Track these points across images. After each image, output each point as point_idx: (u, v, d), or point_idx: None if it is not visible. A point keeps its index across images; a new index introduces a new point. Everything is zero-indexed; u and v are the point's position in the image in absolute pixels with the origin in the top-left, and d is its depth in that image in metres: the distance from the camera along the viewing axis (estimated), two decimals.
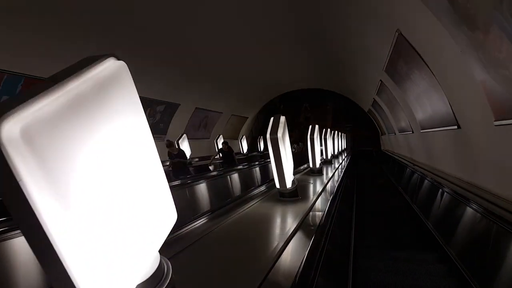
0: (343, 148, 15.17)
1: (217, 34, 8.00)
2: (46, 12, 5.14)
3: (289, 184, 3.15)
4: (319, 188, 4.16)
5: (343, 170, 6.58)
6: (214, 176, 4.19)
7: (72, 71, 0.56)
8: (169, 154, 7.30)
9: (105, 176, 0.62)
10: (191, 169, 8.19)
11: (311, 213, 2.78)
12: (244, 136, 13.85)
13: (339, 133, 12.22)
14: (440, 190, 4.37)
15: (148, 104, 9.13)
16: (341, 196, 4.16)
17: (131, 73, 0.77)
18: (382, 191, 8.44)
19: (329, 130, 7.49)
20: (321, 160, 8.28)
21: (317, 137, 5.33)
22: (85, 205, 0.55)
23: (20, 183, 0.45)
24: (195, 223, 3.13)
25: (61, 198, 0.50)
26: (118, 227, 0.65)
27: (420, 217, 5.02)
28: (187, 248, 1.92)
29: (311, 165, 5.46)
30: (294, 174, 6.05)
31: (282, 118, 3.08)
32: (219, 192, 4.20)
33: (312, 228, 2.37)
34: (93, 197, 0.58)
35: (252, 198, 3.53)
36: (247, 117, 17.57)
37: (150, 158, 0.80)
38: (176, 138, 10.83)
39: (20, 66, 5.52)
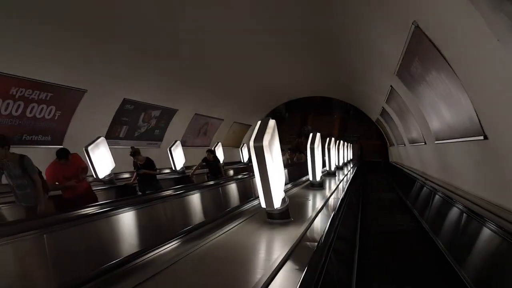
0: (349, 158, 14.50)
1: (219, 38, 7.52)
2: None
3: (277, 204, 2.55)
4: (318, 205, 3.56)
5: (347, 184, 5.95)
6: (185, 192, 3.58)
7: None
8: (135, 164, 6.01)
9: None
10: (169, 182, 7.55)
11: (302, 242, 2.18)
12: (245, 144, 13.28)
13: (345, 143, 11.58)
14: (465, 214, 3.71)
15: (142, 109, 8.63)
16: (343, 218, 3.54)
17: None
18: (392, 213, 7.50)
19: (333, 139, 6.88)
20: (323, 172, 7.69)
21: (318, 146, 4.74)
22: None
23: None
24: (162, 249, 2.58)
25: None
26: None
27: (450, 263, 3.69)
28: (152, 278, 1.68)
29: (310, 178, 4.86)
30: (292, 187, 5.46)
31: (271, 122, 2.52)
32: (193, 211, 3.60)
33: (302, 265, 1.76)
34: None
35: (235, 218, 2.93)
36: (250, 125, 17.01)
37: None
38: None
39: None
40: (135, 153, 5.89)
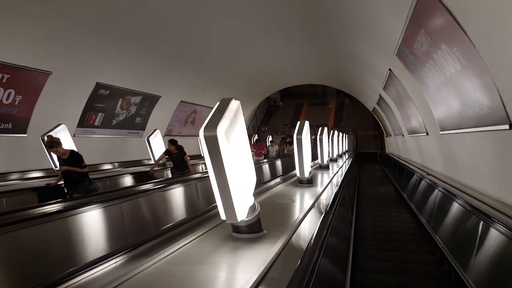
0: (344, 150, 13.93)
1: (206, 20, 6.83)
2: None
3: (242, 215, 1.91)
4: (304, 207, 2.94)
5: (341, 179, 5.34)
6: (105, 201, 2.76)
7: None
8: (58, 159, 4.71)
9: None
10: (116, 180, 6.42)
11: (272, 272, 1.55)
12: None
13: (340, 134, 10.97)
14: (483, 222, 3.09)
15: (119, 94, 7.92)
16: (333, 227, 2.93)
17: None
18: (392, 211, 6.77)
19: (326, 129, 6.24)
20: (314, 165, 7.06)
21: (306, 136, 4.10)
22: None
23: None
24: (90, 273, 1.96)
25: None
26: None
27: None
28: None
29: (298, 173, 4.23)
30: (278, 183, 4.84)
31: (234, 103, 1.86)
32: (116, 230, 2.90)
33: None
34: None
35: (186, 233, 2.29)
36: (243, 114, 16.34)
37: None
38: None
39: None
40: (51, 144, 4.45)
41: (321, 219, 2.56)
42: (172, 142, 6.48)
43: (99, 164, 7.92)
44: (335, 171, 6.56)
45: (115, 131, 8.39)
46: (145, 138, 8.00)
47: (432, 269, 3.59)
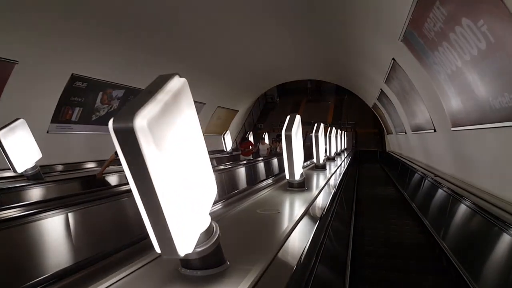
0: (343, 148, 13.33)
1: (199, 9, 6.30)
2: None
3: (187, 247, 1.31)
4: (292, 219, 2.34)
5: (339, 180, 4.75)
6: None
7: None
8: None
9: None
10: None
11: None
12: (228, 132, 12.02)
13: (338, 131, 10.37)
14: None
15: (98, 87, 7.30)
16: (325, 247, 2.34)
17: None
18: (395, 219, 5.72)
19: (322, 125, 5.63)
20: (308, 165, 6.47)
21: (297, 133, 3.50)
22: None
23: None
24: None
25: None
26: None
27: None
28: None
29: (287, 176, 3.63)
30: (267, 186, 4.24)
31: (175, 83, 1.25)
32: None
33: None
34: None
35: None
36: (237, 110, 15.71)
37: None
38: None
39: None
40: None
41: (310, 238, 1.97)
42: None
43: (78, 162, 7.34)
44: (332, 171, 5.97)
45: (95, 127, 7.78)
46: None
47: None
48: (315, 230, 2.21)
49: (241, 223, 2.42)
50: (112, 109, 8.05)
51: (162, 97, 1.07)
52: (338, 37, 7.56)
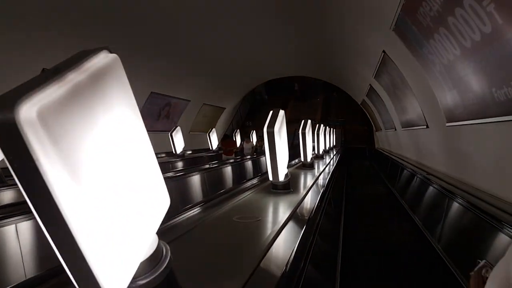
0: (332, 145, 13.10)
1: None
2: None
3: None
4: (273, 229, 2.03)
5: (328, 179, 4.46)
6: None
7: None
8: None
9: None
10: None
11: None
12: (214, 130, 11.63)
13: (326, 128, 10.11)
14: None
15: None
16: (310, 267, 2.02)
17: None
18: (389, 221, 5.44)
19: (309, 122, 5.34)
20: (295, 164, 6.17)
21: (281, 129, 3.19)
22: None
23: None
24: None
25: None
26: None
27: None
28: None
29: (270, 177, 3.31)
30: (250, 187, 3.93)
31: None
32: None
33: None
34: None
35: None
36: (224, 108, 15.34)
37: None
38: None
39: None
40: None
41: (292, 254, 1.66)
42: None
43: None
44: (320, 170, 5.69)
45: None
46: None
47: None
48: (300, 241, 1.91)
49: (213, 235, 2.09)
50: None
51: (74, 77, 0.72)
52: (326, 31, 7.27)
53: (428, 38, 3.05)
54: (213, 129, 11.71)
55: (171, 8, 6.45)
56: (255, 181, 4.33)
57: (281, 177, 3.28)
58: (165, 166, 7.59)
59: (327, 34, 7.58)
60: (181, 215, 2.65)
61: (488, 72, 2.36)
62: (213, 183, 5.92)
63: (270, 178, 3.29)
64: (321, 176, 5.06)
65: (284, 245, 1.87)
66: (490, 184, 3.08)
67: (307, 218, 2.43)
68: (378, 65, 5.75)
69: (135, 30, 6.77)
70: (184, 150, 11.74)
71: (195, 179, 5.39)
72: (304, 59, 12.02)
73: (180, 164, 8.28)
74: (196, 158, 9.94)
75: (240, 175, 7.25)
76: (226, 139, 9.66)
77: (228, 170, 6.95)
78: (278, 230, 2.04)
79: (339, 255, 3.36)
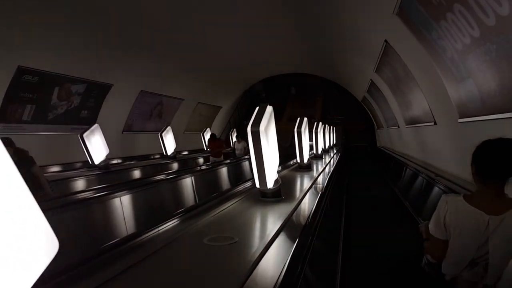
0: (332, 144, 12.65)
1: None
2: None
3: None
4: (242, 266, 1.58)
5: (324, 185, 4.00)
6: None
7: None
8: None
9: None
10: None
11: None
12: (208, 129, 11.20)
13: (326, 126, 9.66)
14: None
15: (53, 82, 6.41)
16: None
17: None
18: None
19: (305, 119, 4.89)
20: (289, 166, 5.72)
21: (268, 128, 2.74)
22: None
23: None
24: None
25: None
26: None
27: None
28: None
29: (257, 184, 2.86)
30: (235, 194, 3.48)
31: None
32: None
33: None
34: None
35: None
36: (221, 107, 14.88)
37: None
38: (109, 131, 8.20)
39: None
40: None
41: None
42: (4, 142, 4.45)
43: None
44: (318, 172, 5.24)
45: (53, 126, 6.89)
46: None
47: None
48: (285, 273, 1.48)
49: (176, 264, 1.66)
50: (72, 106, 7.17)
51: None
52: (325, 23, 6.80)
53: (439, 19, 2.59)
54: (208, 129, 11.27)
55: (166, 9, 6.03)
56: (244, 186, 3.89)
57: (270, 184, 2.83)
58: (146, 170, 7.11)
59: (326, 28, 7.12)
60: (146, 233, 2.22)
61: None
62: (193, 191, 5.38)
63: (257, 185, 2.85)
64: (319, 179, 4.61)
65: (262, 280, 1.44)
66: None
67: (297, 237, 1.99)
68: (380, 57, 5.30)
69: (123, 25, 6.33)
70: (179, 151, 11.30)
71: (172, 187, 4.88)
72: (303, 56, 11.57)
73: (169, 167, 7.84)
74: (187, 160, 9.46)
75: (228, 180, 6.77)
76: (213, 140, 9.05)
77: (214, 174, 6.45)
78: (256, 259, 1.60)
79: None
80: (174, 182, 4.91)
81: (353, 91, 13.80)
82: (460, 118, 3.26)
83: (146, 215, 4.01)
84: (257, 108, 2.77)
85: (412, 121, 5.97)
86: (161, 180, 4.69)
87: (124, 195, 4.00)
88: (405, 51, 4.18)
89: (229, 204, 2.92)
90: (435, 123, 4.44)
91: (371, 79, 7.83)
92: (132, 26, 6.49)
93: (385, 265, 3.54)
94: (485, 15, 2.00)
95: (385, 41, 4.52)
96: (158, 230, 2.32)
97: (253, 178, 2.96)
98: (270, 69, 14.61)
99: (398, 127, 7.89)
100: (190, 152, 11.84)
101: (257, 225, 2.36)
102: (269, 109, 2.78)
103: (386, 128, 10.70)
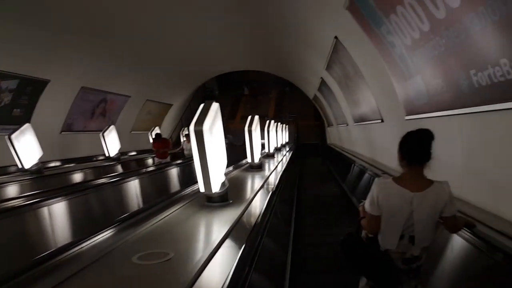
0: (284, 142, 12.70)
1: None
2: None
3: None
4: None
5: (274, 187, 3.84)
6: None
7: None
8: None
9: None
10: None
11: None
12: (156, 128, 10.64)
13: (278, 124, 9.60)
14: None
15: None
16: None
17: None
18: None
19: (256, 118, 4.70)
20: (240, 166, 5.52)
21: (214, 127, 2.49)
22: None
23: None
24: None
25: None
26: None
27: None
28: None
29: (201, 188, 2.58)
30: (179, 199, 3.14)
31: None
32: None
33: None
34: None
35: None
36: (172, 104, 14.26)
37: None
38: (46, 131, 7.41)
39: None
40: None
41: None
42: None
43: None
44: (270, 171, 5.10)
45: None
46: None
47: None
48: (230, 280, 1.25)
49: None
50: (3, 104, 6.33)
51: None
52: (277, 20, 6.66)
53: (389, 13, 2.52)
54: (156, 128, 10.70)
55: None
56: (192, 189, 3.59)
57: (215, 188, 2.58)
58: (84, 174, 6.47)
59: (279, 25, 6.97)
60: (74, 248, 1.88)
61: (466, 52, 1.85)
62: (135, 197, 4.93)
63: (201, 189, 2.59)
64: (270, 179, 4.46)
65: None
66: (460, 188, 2.65)
67: (243, 244, 1.77)
68: (330, 54, 5.28)
69: (60, 13, 5.65)
70: (125, 152, 10.59)
71: (110, 193, 4.39)
72: (257, 53, 11.37)
73: (111, 170, 7.20)
74: (132, 162, 8.84)
75: (175, 183, 6.38)
76: (158, 139, 8.37)
77: (159, 177, 6.02)
78: (193, 278, 1.35)
79: None
80: (113, 187, 4.44)
81: (305, 89, 13.96)
82: (407, 115, 3.26)
83: (76, 226, 3.55)
84: (202, 105, 2.51)
85: (360, 119, 6.05)
86: (98, 185, 4.21)
87: (52, 204, 3.52)
88: (355, 48, 4.15)
89: (171, 211, 2.63)
90: (382, 121, 4.49)
91: (321, 77, 7.88)
92: (71, 14, 5.83)
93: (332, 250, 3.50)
94: (435, 7, 1.92)
95: (335, 37, 4.47)
96: (87, 244, 1.98)
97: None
98: (223, 66, 14.26)
99: (347, 125, 8.04)
100: (139, 152, 11.17)
101: (200, 234, 2.11)
102: (215, 106, 2.53)
103: (335, 125, 10.92)
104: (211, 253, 1.64)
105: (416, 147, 1.66)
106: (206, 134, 2.32)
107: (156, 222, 2.33)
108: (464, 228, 1.97)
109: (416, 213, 1.62)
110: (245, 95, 20.84)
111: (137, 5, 6.19)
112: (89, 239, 2.00)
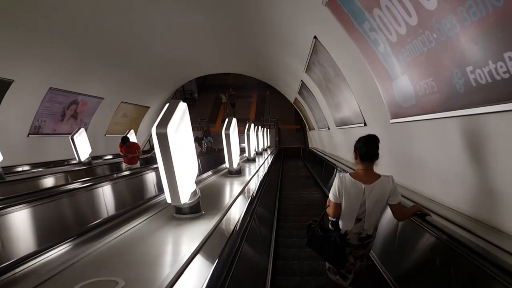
0: (266, 146, 12.47)
1: None
2: None
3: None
4: None
5: (254, 194, 3.58)
6: None
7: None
8: None
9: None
10: None
11: None
12: (131, 131, 10.21)
13: (259, 128, 9.37)
14: None
15: None
16: None
17: None
18: None
19: (234, 120, 4.44)
20: (223, 170, 5.24)
21: (180, 129, 2.21)
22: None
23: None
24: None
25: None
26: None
27: None
28: None
29: (168, 198, 2.30)
30: (145, 210, 2.83)
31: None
32: None
33: None
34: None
35: None
36: (149, 107, 13.82)
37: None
38: (11, 134, 6.92)
39: None
40: None
41: None
42: None
43: None
44: (251, 175, 4.84)
45: None
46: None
47: None
48: None
49: None
50: None
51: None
52: (254, 20, 6.43)
53: (372, 7, 2.32)
54: (131, 131, 10.26)
55: None
56: (161, 198, 3.28)
57: (184, 198, 2.29)
58: (50, 180, 6.02)
59: (259, 27, 6.74)
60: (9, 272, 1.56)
61: (461, 48, 1.66)
62: (94, 206, 4.49)
63: (168, 200, 2.31)
64: (250, 185, 4.19)
65: None
66: (448, 196, 2.48)
67: (212, 266, 1.51)
68: (310, 55, 5.09)
69: (26, 7, 5.22)
70: (100, 155, 10.10)
71: (71, 202, 3.99)
72: (238, 56, 11.12)
73: (79, 175, 6.75)
74: (101, 167, 8.37)
75: (141, 192, 5.98)
76: (126, 143, 7.86)
77: (127, 184, 5.62)
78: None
79: None
80: (71, 196, 4.05)
81: (285, 92, 13.81)
82: (392, 118, 3.09)
83: (24, 242, 3.18)
84: (167, 105, 2.23)
85: (342, 123, 5.90)
86: (56, 194, 3.83)
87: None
88: (335, 48, 3.97)
89: (134, 225, 2.33)
90: (365, 124, 4.32)
91: (301, 80, 7.71)
92: (37, 9, 5.42)
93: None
94: (419, 4, 1.73)
95: (314, 37, 4.27)
96: (26, 268, 1.66)
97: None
98: (203, 68, 13.93)
99: (329, 128, 7.89)
100: (115, 156, 10.69)
101: (161, 256, 1.81)
102: (182, 106, 2.25)
103: (317, 129, 10.79)
104: (170, 281, 1.37)
105: (366, 148, 2.13)
106: (171, 137, 2.04)
107: (115, 238, 2.03)
108: (414, 217, 2.36)
109: (367, 201, 2.07)
110: (223, 103, 20.49)
111: (113, 2, 5.85)
112: (29, 261, 1.69)
